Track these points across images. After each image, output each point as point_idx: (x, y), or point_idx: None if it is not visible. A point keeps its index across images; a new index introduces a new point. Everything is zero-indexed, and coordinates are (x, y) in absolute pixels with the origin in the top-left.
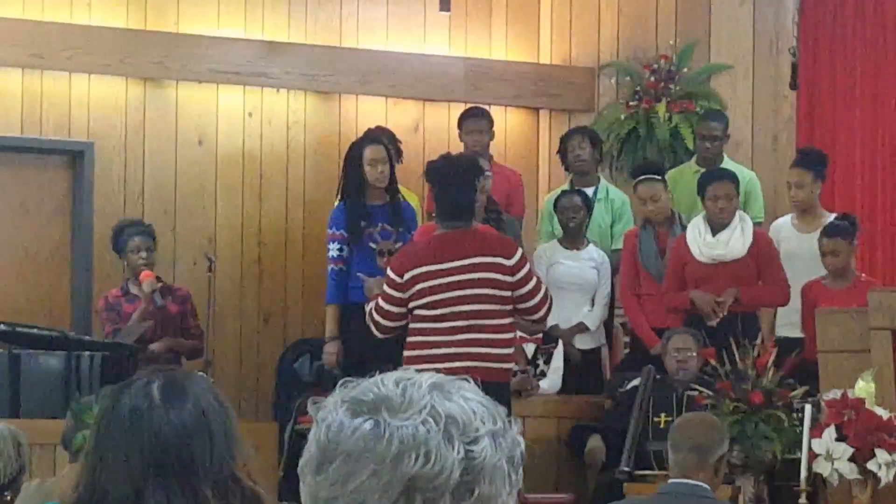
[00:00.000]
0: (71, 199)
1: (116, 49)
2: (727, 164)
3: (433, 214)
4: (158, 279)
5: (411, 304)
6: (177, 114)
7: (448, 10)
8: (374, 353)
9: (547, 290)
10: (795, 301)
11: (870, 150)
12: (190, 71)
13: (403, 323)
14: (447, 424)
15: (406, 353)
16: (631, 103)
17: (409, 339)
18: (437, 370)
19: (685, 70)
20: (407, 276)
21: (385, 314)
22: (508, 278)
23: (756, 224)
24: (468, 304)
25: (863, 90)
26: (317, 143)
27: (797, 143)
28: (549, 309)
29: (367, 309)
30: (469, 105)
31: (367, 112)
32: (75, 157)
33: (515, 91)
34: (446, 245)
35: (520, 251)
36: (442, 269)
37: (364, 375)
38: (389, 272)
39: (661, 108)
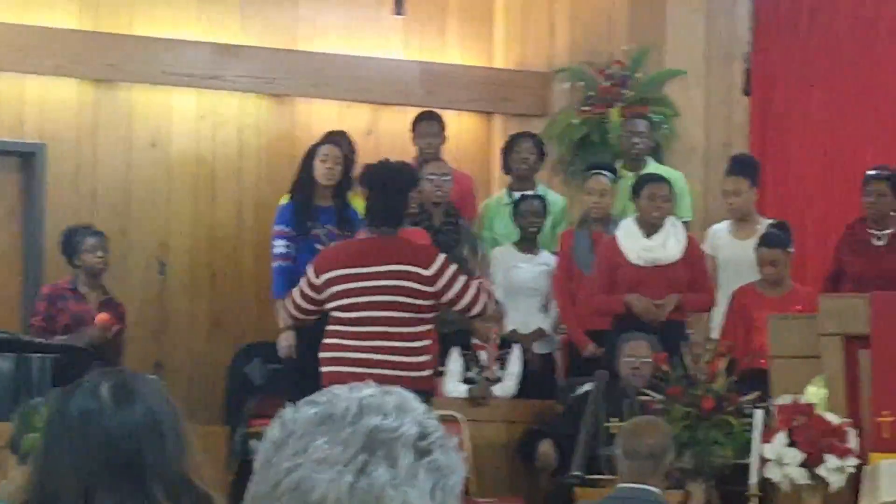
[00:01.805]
0: (22, 200)
1: (69, 51)
2: (651, 166)
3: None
4: (104, 290)
5: (328, 306)
6: (130, 116)
7: (402, 13)
8: (305, 358)
9: (479, 283)
10: None
11: (822, 155)
12: (143, 73)
13: (312, 318)
14: (399, 402)
15: (322, 353)
16: (584, 108)
17: (325, 340)
18: (352, 374)
19: (639, 75)
20: (323, 277)
21: (296, 307)
22: (426, 288)
23: (685, 223)
24: (381, 310)
25: (815, 96)
26: (270, 146)
27: (750, 149)
28: (485, 301)
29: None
30: (422, 109)
31: (321, 115)
32: (27, 159)
33: (469, 95)
34: (366, 250)
35: (439, 259)
36: (359, 273)
37: (295, 380)
38: (309, 270)
39: (614, 113)
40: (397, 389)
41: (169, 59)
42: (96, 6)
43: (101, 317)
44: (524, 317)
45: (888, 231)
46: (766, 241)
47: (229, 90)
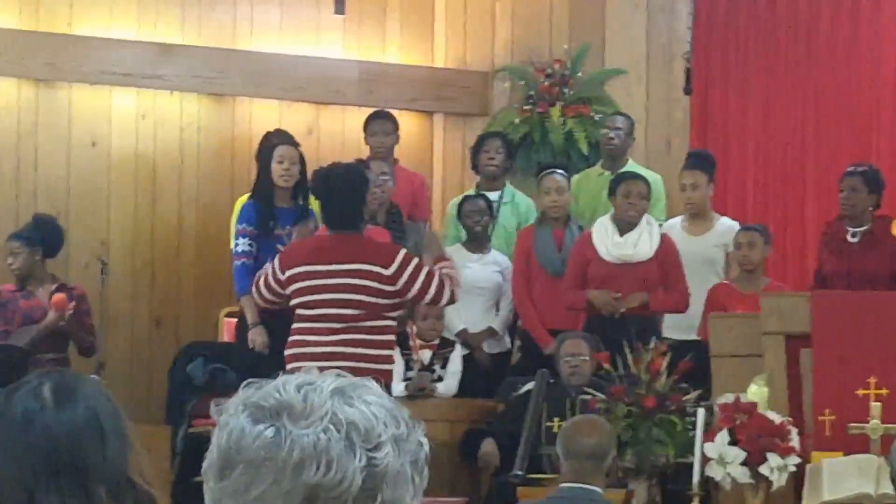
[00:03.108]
0: None
1: (8, 50)
2: (631, 166)
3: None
4: (53, 277)
5: (292, 302)
6: (70, 115)
7: (342, 12)
8: (263, 360)
9: (441, 275)
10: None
11: (762, 155)
12: (82, 72)
13: (275, 308)
14: (349, 431)
15: (286, 351)
16: (525, 107)
17: (291, 337)
18: (317, 369)
19: (579, 74)
20: (287, 273)
21: (259, 292)
22: (387, 287)
23: (659, 225)
24: (342, 307)
25: (755, 95)
26: (210, 145)
27: (690, 147)
28: (450, 292)
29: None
30: (363, 108)
31: (261, 115)
32: None
33: (410, 94)
34: (328, 248)
35: (400, 256)
36: (321, 271)
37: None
38: (274, 262)
39: (555, 112)
40: (356, 406)
41: (108, 58)
42: (36, 6)
43: (56, 297)
44: (474, 316)
45: (862, 228)
46: (743, 226)
47: (169, 89)
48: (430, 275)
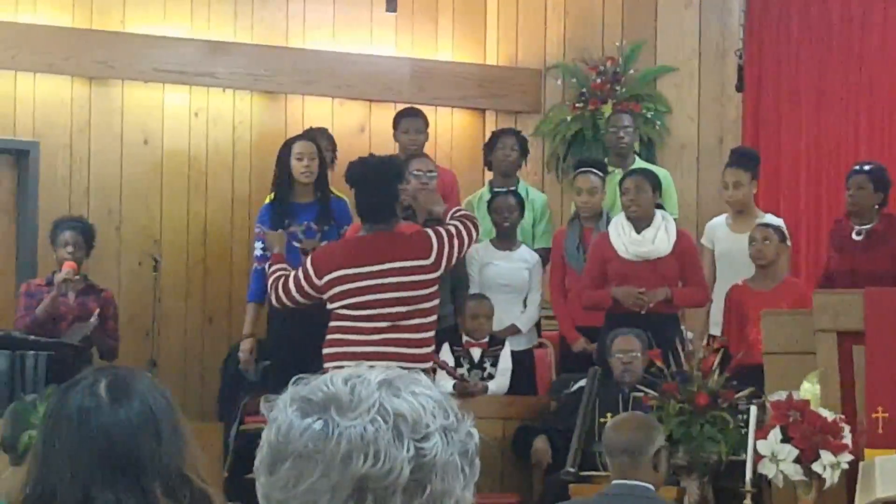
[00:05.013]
0: (16, 198)
1: (62, 48)
2: (638, 164)
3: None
4: (85, 278)
5: (332, 304)
6: (122, 113)
7: (394, 10)
8: (297, 352)
9: (462, 220)
10: None
11: (814, 152)
12: (135, 70)
13: (301, 307)
14: (396, 422)
15: (325, 350)
16: (577, 105)
17: (329, 336)
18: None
19: (631, 72)
20: (326, 278)
21: (289, 296)
22: (431, 275)
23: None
24: (389, 306)
25: (808, 92)
26: (262, 143)
27: (743, 144)
28: (474, 231)
29: (270, 279)
30: (416, 106)
31: (313, 112)
32: (20, 157)
33: (461, 92)
34: (366, 249)
35: (434, 242)
36: (362, 273)
37: (287, 374)
38: (309, 267)
39: (606, 109)
40: (404, 397)
41: (161, 56)
42: (89, 4)
43: (68, 263)
44: (499, 313)
45: (868, 226)
46: (761, 223)
47: (221, 87)
48: (452, 236)
